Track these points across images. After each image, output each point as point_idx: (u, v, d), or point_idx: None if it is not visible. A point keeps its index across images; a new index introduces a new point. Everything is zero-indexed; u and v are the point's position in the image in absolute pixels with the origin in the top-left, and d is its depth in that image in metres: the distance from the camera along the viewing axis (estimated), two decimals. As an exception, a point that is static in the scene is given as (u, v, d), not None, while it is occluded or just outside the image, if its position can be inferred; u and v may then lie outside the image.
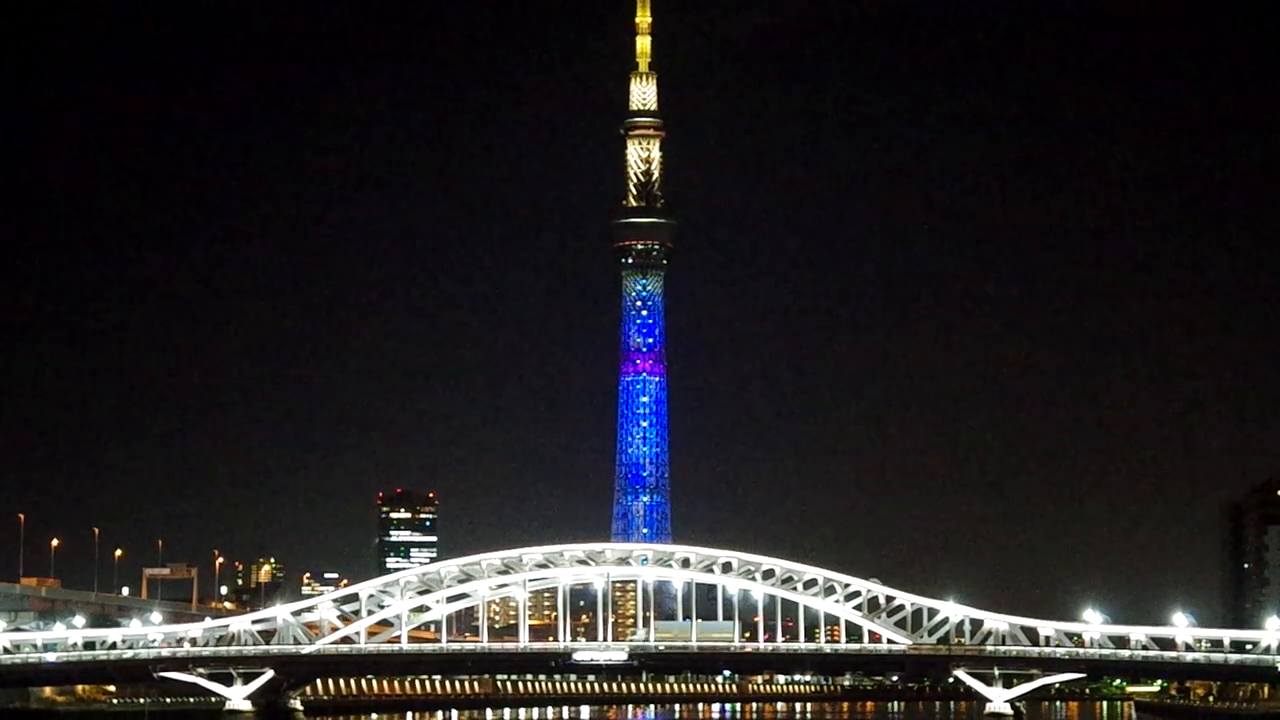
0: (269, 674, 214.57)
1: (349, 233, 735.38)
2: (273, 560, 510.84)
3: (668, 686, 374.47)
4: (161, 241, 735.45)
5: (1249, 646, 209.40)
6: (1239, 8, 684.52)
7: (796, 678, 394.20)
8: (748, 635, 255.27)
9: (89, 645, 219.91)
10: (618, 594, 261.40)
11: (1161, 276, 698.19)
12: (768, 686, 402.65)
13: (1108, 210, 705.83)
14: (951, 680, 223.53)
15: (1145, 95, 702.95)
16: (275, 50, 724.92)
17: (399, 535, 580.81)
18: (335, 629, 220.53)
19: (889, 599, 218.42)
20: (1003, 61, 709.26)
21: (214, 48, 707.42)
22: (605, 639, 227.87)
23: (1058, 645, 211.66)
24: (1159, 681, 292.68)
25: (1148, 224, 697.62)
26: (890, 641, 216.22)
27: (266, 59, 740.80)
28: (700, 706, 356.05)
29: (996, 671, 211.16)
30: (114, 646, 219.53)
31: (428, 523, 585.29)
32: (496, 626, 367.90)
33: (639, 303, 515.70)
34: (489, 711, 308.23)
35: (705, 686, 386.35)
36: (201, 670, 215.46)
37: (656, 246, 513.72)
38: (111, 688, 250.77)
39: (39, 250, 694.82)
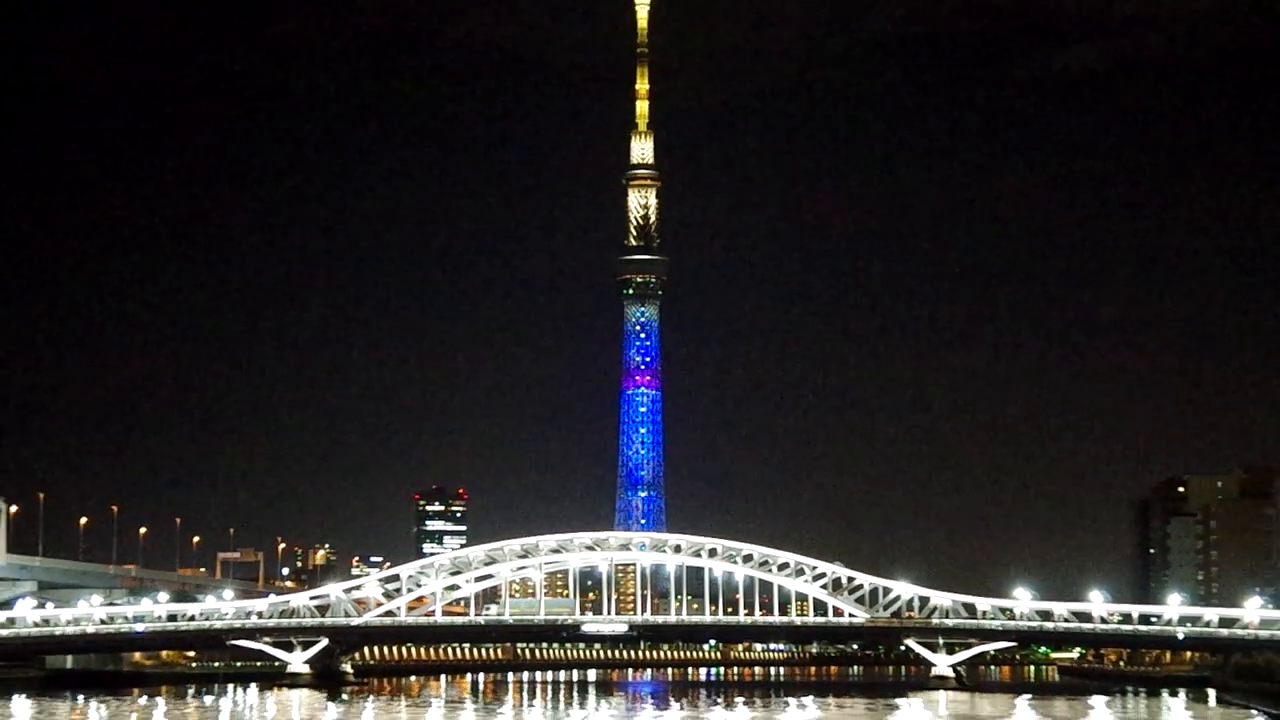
0: (324, 642, 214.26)
1: (397, 272, 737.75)
2: (327, 545, 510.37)
3: (662, 653, 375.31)
4: (213, 255, 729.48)
5: (1153, 619, 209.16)
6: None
7: (771, 646, 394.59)
8: (730, 610, 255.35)
9: (171, 618, 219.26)
10: (620, 575, 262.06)
11: (1092, 288, 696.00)
12: (747, 653, 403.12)
13: (1028, 217, 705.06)
14: (903, 648, 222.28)
15: (1069, 106, 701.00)
16: (309, 100, 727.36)
17: (434, 525, 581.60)
18: (380, 604, 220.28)
19: (850, 579, 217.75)
20: (972, 113, 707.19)
21: (229, 58, 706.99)
22: (610, 613, 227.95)
23: (993, 618, 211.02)
24: (1078, 649, 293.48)
25: (1066, 229, 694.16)
26: (851, 615, 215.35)
27: (301, 105, 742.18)
28: (690, 670, 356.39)
29: (941, 641, 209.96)
30: (193, 619, 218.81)
31: (458, 515, 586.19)
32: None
33: (638, 328, 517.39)
34: (510, 674, 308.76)
35: (694, 653, 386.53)
36: (267, 639, 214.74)
37: (653, 280, 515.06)
38: (191, 653, 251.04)
39: (108, 254, 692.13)
